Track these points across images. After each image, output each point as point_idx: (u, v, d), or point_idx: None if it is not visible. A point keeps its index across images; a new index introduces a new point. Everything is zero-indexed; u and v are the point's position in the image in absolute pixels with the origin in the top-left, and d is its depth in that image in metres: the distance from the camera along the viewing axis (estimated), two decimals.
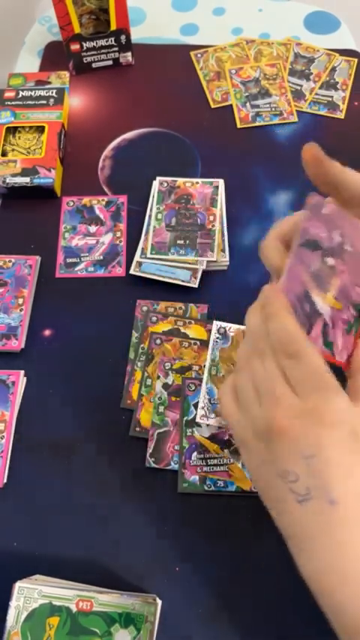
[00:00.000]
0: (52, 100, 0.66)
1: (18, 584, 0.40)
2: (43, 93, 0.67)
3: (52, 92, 0.67)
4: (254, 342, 0.31)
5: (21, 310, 0.55)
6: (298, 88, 0.70)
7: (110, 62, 0.72)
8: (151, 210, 0.60)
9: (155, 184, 0.61)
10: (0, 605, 0.40)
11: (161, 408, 0.50)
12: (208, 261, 0.56)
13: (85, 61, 0.71)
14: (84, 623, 0.39)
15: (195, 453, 0.47)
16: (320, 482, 0.27)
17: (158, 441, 0.48)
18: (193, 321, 0.54)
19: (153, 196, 0.60)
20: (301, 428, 0.28)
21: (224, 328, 0.52)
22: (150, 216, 0.59)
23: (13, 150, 0.64)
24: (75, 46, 0.69)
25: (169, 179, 0.61)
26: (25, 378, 0.52)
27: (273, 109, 0.68)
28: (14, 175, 0.61)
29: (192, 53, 0.73)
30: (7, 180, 0.61)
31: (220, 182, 0.61)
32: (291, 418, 0.28)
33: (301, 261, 0.31)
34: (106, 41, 0.70)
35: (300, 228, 0.31)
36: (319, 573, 0.28)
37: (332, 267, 0.31)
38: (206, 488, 0.46)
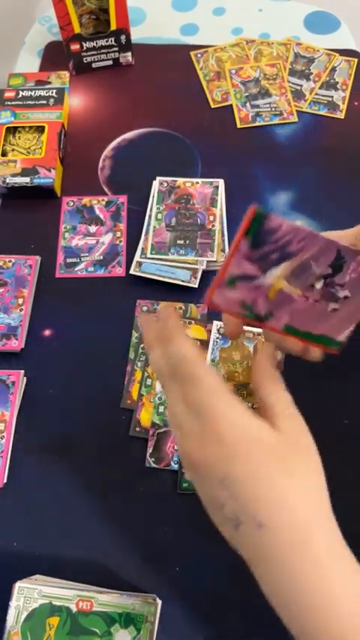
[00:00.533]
0: (52, 100, 0.66)
1: (18, 584, 0.40)
2: (43, 93, 0.67)
3: (52, 92, 0.67)
4: (159, 369, 0.31)
5: (21, 310, 0.55)
6: (298, 88, 0.70)
7: (110, 62, 0.72)
8: (151, 210, 0.60)
9: (155, 184, 0.61)
10: (0, 605, 0.40)
11: (161, 408, 0.50)
12: (208, 261, 0.56)
13: (85, 61, 0.71)
14: (84, 623, 0.39)
15: None
16: (242, 504, 0.26)
17: (158, 441, 0.48)
18: (193, 321, 0.54)
19: (153, 196, 0.60)
20: (209, 453, 0.27)
21: (224, 328, 0.52)
22: (150, 216, 0.59)
23: (13, 150, 0.64)
24: (75, 46, 0.69)
25: (169, 179, 0.61)
26: (25, 378, 0.52)
27: (273, 109, 0.68)
28: (14, 175, 0.61)
29: (192, 53, 0.73)
30: (7, 180, 0.61)
31: (220, 182, 0.61)
32: (198, 447, 0.27)
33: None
34: (106, 41, 0.70)
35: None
36: (269, 596, 0.27)
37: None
38: None
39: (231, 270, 0.29)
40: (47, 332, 0.55)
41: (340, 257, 0.29)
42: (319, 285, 0.30)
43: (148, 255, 0.57)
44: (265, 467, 0.27)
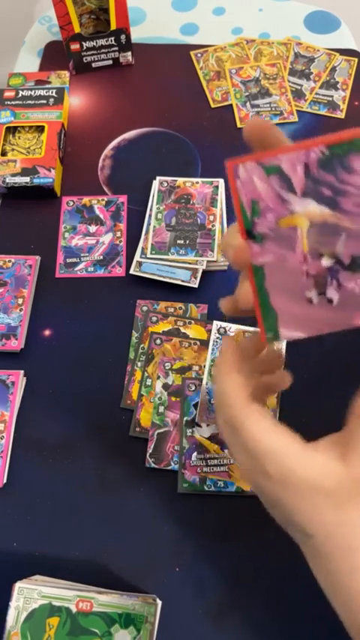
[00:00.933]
0: (52, 100, 0.66)
1: (18, 585, 0.40)
2: (42, 92, 0.67)
3: (52, 92, 0.67)
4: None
5: (21, 310, 0.54)
6: (299, 87, 0.70)
7: (110, 62, 0.72)
8: (151, 210, 0.60)
9: (155, 184, 0.61)
10: (0, 605, 0.40)
11: (161, 409, 0.50)
12: (208, 261, 0.56)
13: (85, 61, 0.71)
14: (84, 623, 0.39)
15: (195, 454, 0.47)
16: (292, 528, 0.27)
17: (158, 441, 0.48)
18: (193, 321, 0.54)
19: (153, 196, 0.60)
20: (264, 492, 0.28)
21: (224, 328, 0.52)
22: (150, 216, 0.59)
23: (12, 150, 0.64)
24: (75, 46, 0.69)
25: (169, 179, 0.61)
26: (24, 378, 0.52)
27: (273, 109, 0.68)
28: (14, 175, 0.61)
29: (192, 53, 0.73)
30: (7, 180, 0.61)
31: (220, 182, 0.61)
32: (250, 483, 0.28)
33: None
34: (106, 41, 0.69)
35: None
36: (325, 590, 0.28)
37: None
38: (206, 488, 0.46)
39: (282, 159, 0.24)
40: (47, 332, 0.55)
41: None
42: (326, 262, 0.26)
43: (148, 255, 0.56)
44: (318, 515, 0.26)
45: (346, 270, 0.26)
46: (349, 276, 0.26)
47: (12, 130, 0.65)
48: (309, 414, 0.49)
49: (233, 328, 0.52)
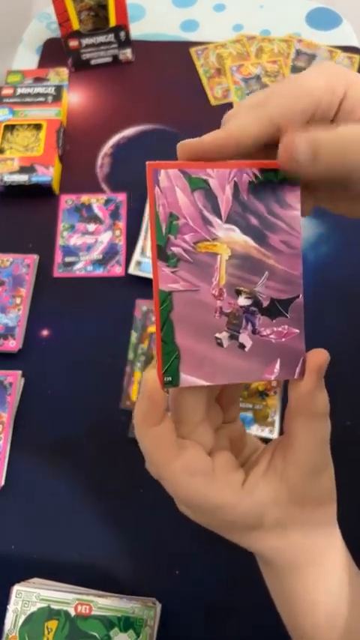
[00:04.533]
0: (50, 98, 0.66)
1: (16, 588, 0.40)
2: (41, 90, 0.66)
3: (50, 89, 0.66)
4: None
5: (19, 310, 0.54)
6: None
7: (109, 59, 0.71)
8: None
9: None
10: None
11: None
12: None
13: (83, 58, 0.71)
14: (83, 627, 0.39)
15: None
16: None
17: None
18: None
19: None
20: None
21: None
22: None
23: (11, 147, 0.63)
24: (74, 43, 0.69)
25: None
26: (22, 378, 0.52)
27: None
28: (12, 173, 0.60)
29: (192, 50, 0.73)
30: (5, 179, 0.60)
31: None
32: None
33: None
34: (105, 38, 0.69)
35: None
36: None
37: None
38: None
39: (211, 174, 0.22)
40: (45, 332, 0.54)
41: (287, 303, 0.23)
42: (243, 301, 0.23)
43: (148, 255, 0.56)
44: (263, 544, 0.27)
45: (263, 315, 0.23)
46: (266, 322, 0.23)
47: (10, 128, 0.64)
48: None
49: None
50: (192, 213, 0.22)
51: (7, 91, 0.66)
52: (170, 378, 0.22)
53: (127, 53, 0.71)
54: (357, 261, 0.57)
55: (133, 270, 0.56)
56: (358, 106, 0.24)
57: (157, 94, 0.69)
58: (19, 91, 0.66)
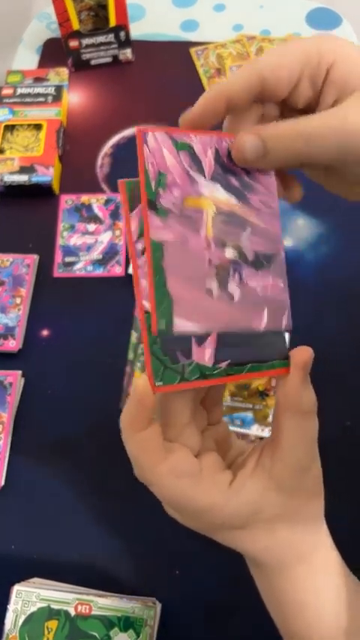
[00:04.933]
0: (50, 98, 0.66)
1: (16, 587, 0.40)
2: (41, 90, 0.66)
3: (50, 89, 0.66)
4: None
5: (19, 310, 0.54)
6: None
7: (109, 59, 0.71)
8: None
9: None
10: None
11: None
12: None
13: (83, 58, 0.71)
14: (83, 626, 0.39)
15: None
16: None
17: None
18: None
19: None
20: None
21: None
22: None
23: (11, 148, 0.63)
24: (74, 43, 0.69)
25: None
26: (22, 378, 0.51)
27: None
28: (12, 173, 0.60)
29: (192, 50, 0.73)
30: (5, 179, 0.60)
31: None
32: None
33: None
34: (105, 38, 0.69)
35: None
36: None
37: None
38: None
39: (194, 140, 0.24)
40: (45, 332, 0.54)
41: (270, 257, 0.24)
42: (230, 253, 0.24)
43: None
44: (252, 545, 0.27)
45: (249, 267, 0.24)
46: (252, 274, 0.24)
47: (10, 128, 0.64)
48: None
49: None
50: (179, 172, 0.23)
51: (7, 91, 0.66)
52: (164, 323, 0.23)
53: (127, 53, 0.71)
54: (357, 261, 0.57)
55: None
56: (345, 81, 0.25)
57: (157, 94, 0.69)
58: (19, 91, 0.66)
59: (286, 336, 0.25)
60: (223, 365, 0.24)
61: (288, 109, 0.27)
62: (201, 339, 0.23)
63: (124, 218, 0.24)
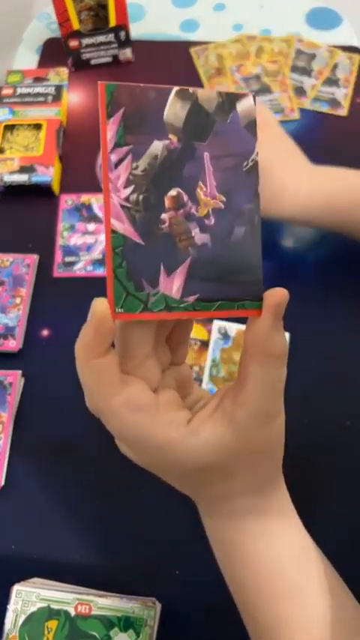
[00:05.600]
0: (50, 97, 0.66)
1: (16, 587, 0.40)
2: (41, 90, 0.66)
3: (50, 89, 0.66)
4: None
5: (19, 310, 0.54)
6: (300, 84, 0.69)
7: (109, 59, 0.71)
8: None
9: None
10: None
11: None
12: None
13: (83, 58, 0.71)
14: (83, 626, 0.39)
15: None
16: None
17: None
18: (193, 321, 0.53)
19: None
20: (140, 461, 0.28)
21: (225, 328, 0.52)
22: None
23: (11, 147, 0.63)
24: (74, 43, 0.69)
25: None
26: (22, 378, 0.51)
27: (274, 106, 0.68)
28: (12, 173, 0.60)
29: (192, 49, 0.73)
30: (5, 179, 0.60)
31: None
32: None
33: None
34: (105, 37, 0.69)
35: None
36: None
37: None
38: None
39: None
40: (45, 332, 0.54)
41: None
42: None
43: None
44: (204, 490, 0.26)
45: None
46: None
47: (10, 128, 0.64)
48: (309, 414, 0.48)
49: (234, 328, 0.52)
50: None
51: (7, 91, 0.66)
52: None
53: (127, 53, 0.71)
54: (357, 261, 0.57)
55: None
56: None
57: None
58: (19, 90, 0.66)
59: (261, 275, 0.24)
60: (191, 299, 0.23)
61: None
62: (171, 267, 0.22)
63: (101, 125, 0.22)
